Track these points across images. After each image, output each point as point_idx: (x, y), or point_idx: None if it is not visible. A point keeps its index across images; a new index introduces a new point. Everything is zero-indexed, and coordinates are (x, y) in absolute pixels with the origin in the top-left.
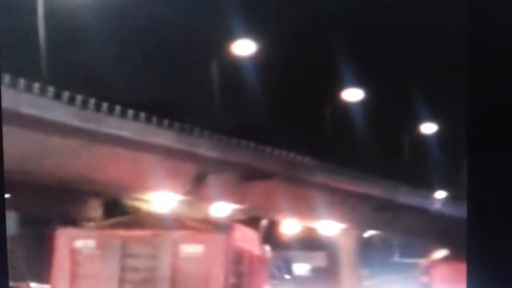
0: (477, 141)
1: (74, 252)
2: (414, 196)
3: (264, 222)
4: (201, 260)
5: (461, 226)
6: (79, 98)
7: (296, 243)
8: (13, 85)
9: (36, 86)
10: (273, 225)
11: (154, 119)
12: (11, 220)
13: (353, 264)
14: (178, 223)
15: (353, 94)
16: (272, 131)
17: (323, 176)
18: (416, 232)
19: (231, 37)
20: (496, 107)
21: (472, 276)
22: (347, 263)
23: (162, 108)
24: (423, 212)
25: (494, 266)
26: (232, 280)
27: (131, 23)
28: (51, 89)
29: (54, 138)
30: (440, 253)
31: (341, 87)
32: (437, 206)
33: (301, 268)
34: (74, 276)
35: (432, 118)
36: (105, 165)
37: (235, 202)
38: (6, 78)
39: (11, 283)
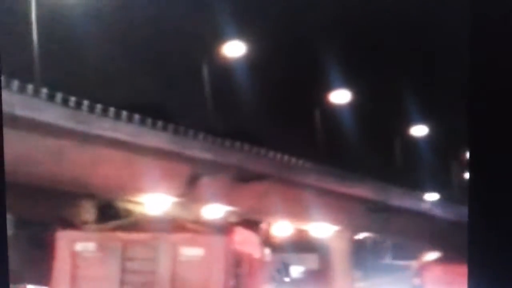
0: (478, 142)
1: (74, 255)
2: (406, 198)
3: (263, 225)
4: (200, 262)
5: (453, 228)
6: (72, 99)
7: (289, 245)
8: (7, 86)
9: (30, 87)
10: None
11: (148, 121)
12: None
13: (346, 266)
14: (178, 226)
15: (344, 96)
16: (265, 133)
17: (316, 178)
18: (408, 234)
19: (222, 38)
20: (497, 109)
21: (473, 277)
22: (340, 265)
23: (155, 110)
24: (415, 214)
25: (495, 268)
26: (231, 283)
27: (124, 26)
28: (44, 91)
29: (47, 140)
30: (432, 255)
31: (333, 88)
32: (428, 208)
33: (294, 270)
34: (74, 279)
35: (423, 120)
36: (99, 167)
37: (229, 204)
38: None
39: None
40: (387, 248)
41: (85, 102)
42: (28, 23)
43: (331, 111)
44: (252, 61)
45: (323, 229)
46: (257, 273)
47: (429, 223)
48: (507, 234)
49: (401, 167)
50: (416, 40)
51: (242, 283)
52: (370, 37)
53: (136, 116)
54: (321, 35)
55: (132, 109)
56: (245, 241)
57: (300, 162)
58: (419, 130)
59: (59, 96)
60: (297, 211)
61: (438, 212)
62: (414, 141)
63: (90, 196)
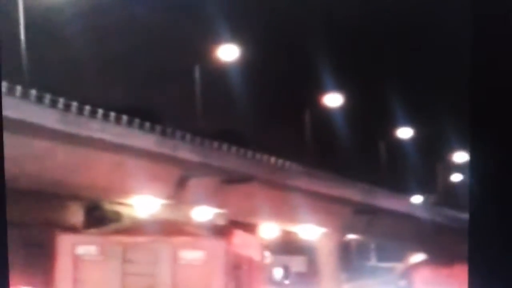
0: (478, 143)
1: (76, 258)
2: (392, 200)
3: (264, 228)
4: (200, 265)
5: (438, 230)
6: (61, 101)
7: (276, 247)
8: None
9: (18, 89)
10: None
11: (136, 122)
12: None
13: (333, 268)
14: (178, 229)
15: (332, 99)
16: (254, 135)
17: (304, 180)
18: (394, 236)
19: (215, 42)
20: (498, 110)
21: (473, 277)
22: (327, 267)
23: (144, 112)
24: (401, 216)
25: (495, 268)
26: (231, 285)
27: (115, 28)
28: (33, 92)
29: (35, 141)
30: (417, 257)
31: (321, 92)
32: (414, 210)
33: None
34: (76, 282)
35: (409, 123)
36: (87, 169)
37: (217, 205)
38: None
39: None
40: (371, 251)
41: (74, 104)
42: (17, 25)
43: (318, 114)
44: (244, 64)
45: (310, 231)
46: (257, 275)
47: (415, 225)
48: (508, 235)
49: (386, 169)
50: (404, 45)
51: (242, 286)
52: (360, 41)
53: (125, 118)
54: (312, 39)
55: (120, 111)
56: (244, 244)
57: (288, 164)
58: (404, 133)
59: (47, 97)
60: (285, 213)
61: (423, 214)
62: (399, 143)
63: (78, 198)
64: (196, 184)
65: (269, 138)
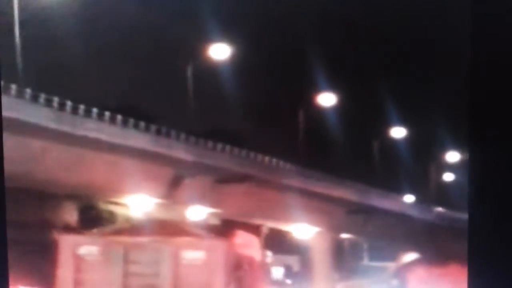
0: (478, 142)
1: (77, 259)
2: (385, 199)
3: (265, 228)
4: (202, 265)
5: (431, 229)
6: (56, 100)
7: (270, 247)
8: None
9: (13, 88)
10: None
11: (131, 121)
12: None
13: (327, 267)
14: (179, 229)
15: (326, 99)
16: (248, 134)
17: (297, 179)
18: (387, 236)
19: (206, 41)
20: (498, 110)
21: (473, 277)
22: (320, 266)
23: (138, 111)
24: (394, 216)
25: (495, 268)
26: (232, 285)
27: (108, 27)
28: (28, 91)
29: (29, 140)
30: (410, 257)
31: (314, 91)
32: (407, 209)
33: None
34: (77, 282)
35: (401, 122)
36: (81, 168)
37: (211, 205)
38: None
39: None
40: (364, 250)
41: (68, 103)
42: (11, 23)
43: (312, 113)
44: (237, 63)
45: (304, 231)
46: (258, 275)
47: (408, 224)
48: (507, 235)
49: (379, 168)
50: (398, 44)
51: (243, 286)
52: (353, 40)
53: (119, 117)
54: (306, 38)
55: (114, 110)
56: (246, 244)
57: (282, 163)
58: (397, 132)
59: (42, 96)
60: (279, 212)
61: (416, 213)
62: (392, 143)
63: (72, 197)
64: (190, 184)
65: (263, 137)
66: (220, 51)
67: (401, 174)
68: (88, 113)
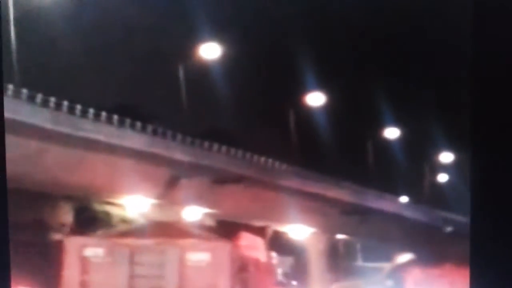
0: (480, 143)
1: (83, 260)
2: (379, 200)
3: (270, 230)
4: (207, 267)
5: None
6: (52, 100)
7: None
8: None
9: (10, 88)
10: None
11: (127, 122)
12: None
13: (322, 268)
14: (184, 231)
15: (319, 99)
16: (242, 135)
17: (293, 180)
18: (381, 236)
19: (198, 40)
20: (500, 110)
21: (474, 279)
22: (315, 267)
23: (133, 112)
24: (388, 216)
25: (496, 269)
26: (237, 287)
27: (102, 28)
28: (24, 92)
29: (26, 141)
30: (404, 257)
31: (308, 91)
32: (401, 210)
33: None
34: (83, 284)
35: (395, 122)
36: (78, 169)
37: (207, 205)
38: None
39: None
40: (358, 251)
41: (65, 103)
42: (7, 24)
43: (307, 113)
44: (228, 63)
45: (299, 231)
46: (264, 277)
47: (402, 225)
48: (509, 236)
49: (374, 169)
50: (389, 44)
51: (248, 287)
52: (344, 40)
53: (115, 117)
54: (296, 38)
55: (111, 111)
56: (251, 245)
57: (277, 164)
58: (391, 133)
59: (39, 97)
60: (274, 213)
61: (410, 214)
62: (386, 144)
63: (68, 198)
64: (186, 184)
65: (257, 137)
66: (210, 51)
67: (396, 175)
68: (84, 113)
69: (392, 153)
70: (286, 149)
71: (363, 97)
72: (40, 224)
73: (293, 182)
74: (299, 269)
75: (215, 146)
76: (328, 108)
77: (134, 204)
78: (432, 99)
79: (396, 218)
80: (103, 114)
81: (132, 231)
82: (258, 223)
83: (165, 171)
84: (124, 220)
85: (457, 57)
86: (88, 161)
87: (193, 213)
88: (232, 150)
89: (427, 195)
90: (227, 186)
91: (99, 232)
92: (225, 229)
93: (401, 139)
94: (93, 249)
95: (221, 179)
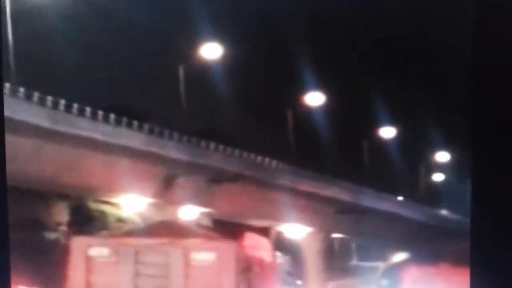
0: (480, 143)
1: (88, 260)
2: (375, 199)
3: (275, 230)
4: (212, 267)
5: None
6: (49, 99)
7: None
8: None
9: (7, 86)
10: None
11: (124, 120)
12: None
13: (318, 267)
14: (189, 231)
15: (317, 98)
16: (240, 134)
17: (289, 179)
18: (377, 235)
19: (198, 40)
20: (500, 111)
21: (475, 279)
22: (312, 266)
23: (131, 110)
24: (384, 215)
25: (497, 269)
26: (242, 287)
27: (101, 27)
28: (21, 90)
29: (23, 139)
30: (399, 256)
31: (305, 91)
32: (396, 209)
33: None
34: (88, 284)
35: (391, 122)
36: (74, 167)
37: (203, 205)
38: None
39: None
40: (353, 250)
41: (62, 102)
42: (4, 22)
43: (304, 113)
44: (228, 63)
45: (295, 231)
46: (268, 277)
47: (398, 224)
48: (509, 236)
49: (370, 168)
50: (386, 44)
51: (253, 287)
52: (342, 41)
53: (112, 116)
54: (296, 39)
55: (108, 109)
56: (255, 245)
57: (274, 163)
58: (387, 132)
59: (36, 95)
60: (271, 212)
61: (406, 213)
62: (382, 143)
63: (64, 196)
64: (183, 183)
65: (254, 137)
66: (211, 51)
67: (391, 174)
68: (81, 112)
69: (388, 152)
70: (283, 148)
71: (360, 97)
72: (36, 223)
73: (290, 181)
74: (295, 268)
75: (212, 145)
76: (325, 107)
77: (130, 203)
78: (428, 99)
79: (392, 217)
80: (100, 113)
81: (137, 230)
82: (254, 222)
83: (161, 170)
84: (120, 219)
85: (454, 57)
86: (85, 160)
87: (190, 212)
88: (229, 149)
89: (423, 194)
90: (224, 185)
91: (104, 232)
92: (227, 229)
93: (397, 139)
94: (97, 248)
95: (218, 178)
